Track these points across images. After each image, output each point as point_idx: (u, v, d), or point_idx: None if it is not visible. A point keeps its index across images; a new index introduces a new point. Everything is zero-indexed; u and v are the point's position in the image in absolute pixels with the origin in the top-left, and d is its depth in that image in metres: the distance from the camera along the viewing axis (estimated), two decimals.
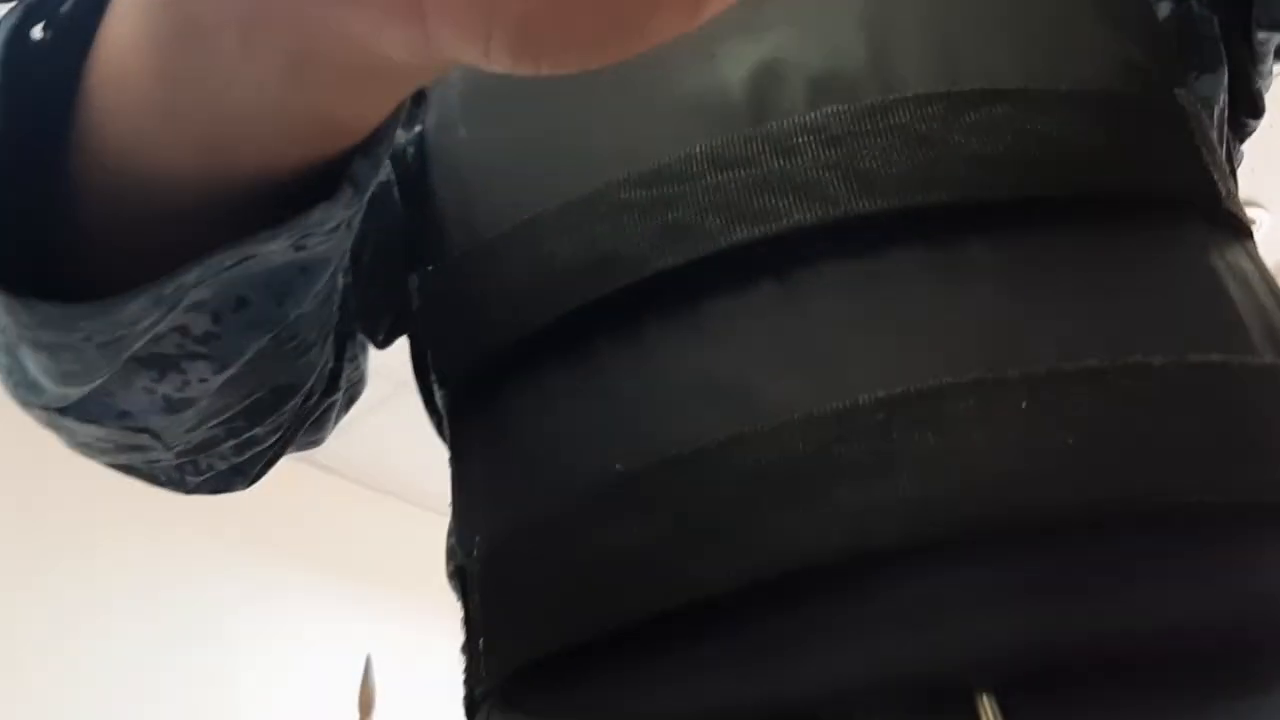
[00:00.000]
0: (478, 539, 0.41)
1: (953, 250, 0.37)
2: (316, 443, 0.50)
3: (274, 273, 0.32)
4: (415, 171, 0.49)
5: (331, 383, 0.46)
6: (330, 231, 0.31)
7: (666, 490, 0.35)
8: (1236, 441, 0.35)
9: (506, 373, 0.42)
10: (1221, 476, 0.34)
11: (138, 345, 0.32)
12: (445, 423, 0.46)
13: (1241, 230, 0.42)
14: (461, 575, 0.42)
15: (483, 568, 0.40)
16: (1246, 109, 0.52)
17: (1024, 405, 0.34)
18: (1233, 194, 0.42)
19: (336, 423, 0.51)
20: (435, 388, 0.47)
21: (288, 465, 0.55)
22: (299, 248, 0.30)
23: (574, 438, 0.39)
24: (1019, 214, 0.38)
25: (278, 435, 0.44)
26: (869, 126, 0.38)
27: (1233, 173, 0.52)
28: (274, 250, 0.30)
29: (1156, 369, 0.35)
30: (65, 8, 0.29)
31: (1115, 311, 0.37)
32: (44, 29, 0.29)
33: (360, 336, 0.51)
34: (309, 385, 0.41)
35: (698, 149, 0.39)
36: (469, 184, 0.46)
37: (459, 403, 0.45)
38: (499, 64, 0.18)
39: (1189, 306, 0.38)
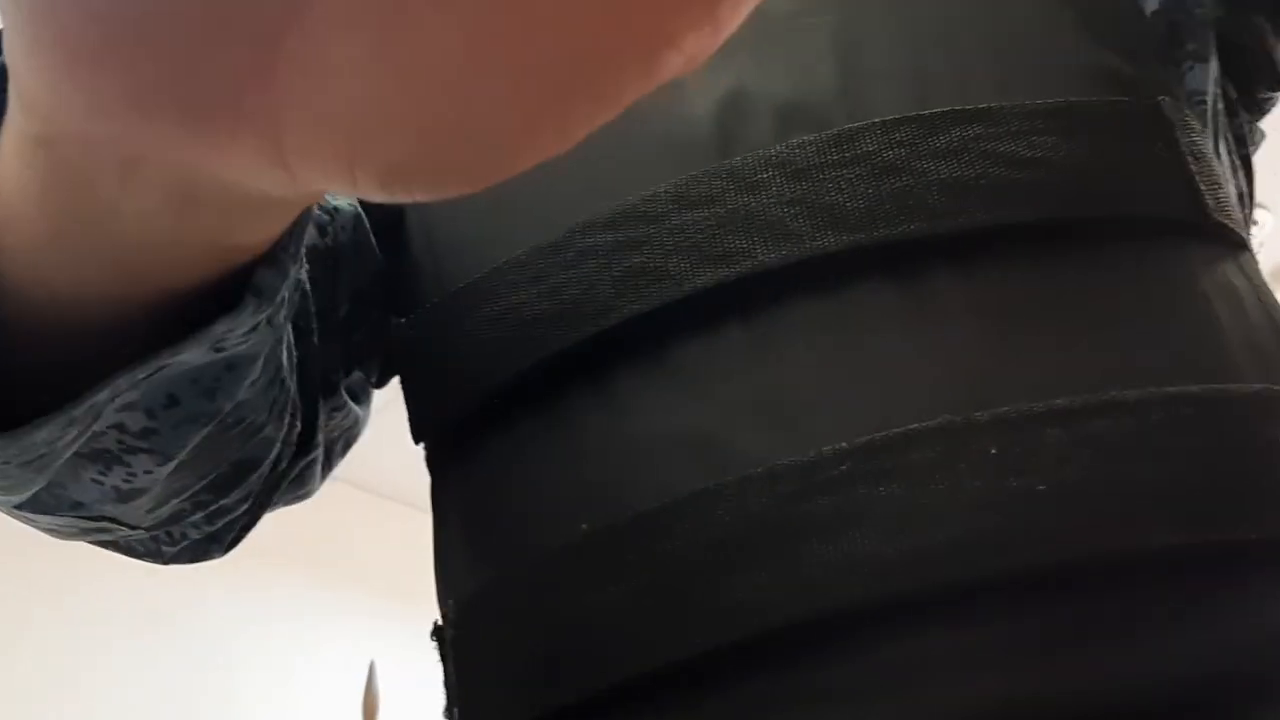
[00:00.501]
0: (451, 602, 0.39)
1: (921, 286, 0.35)
2: (304, 497, 0.49)
3: (198, 371, 0.31)
4: (393, 216, 0.48)
5: (302, 446, 0.44)
6: (247, 334, 0.30)
7: (630, 551, 0.34)
8: (1219, 477, 0.33)
9: (479, 427, 0.40)
10: (1204, 516, 0.32)
11: (67, 455, 0.31)
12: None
13: (1234, 242, 0.40)
14: (439, 638, 0.40)
15: (455, 633, 0.39)
16: (1268, 81, 0.50)
17: (993, 451, 0.32)
18: (1224, 203, 0.39)
19: (326, 475, 0.50)
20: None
21: None
22: (218, 349, 0.30)
23: (543, 496, 0.38)
24: (991, 244, 0.36)
25: (248, 503, 0.43)
26: (835, 157, 0.37)
27: (1246, 163, 0.50)
28: (188, 358, 0.29)
29: (1131, 404, 0.33)
30: None
31: (1092, 345, 0.35)
32: None
33: (346, 386, 0.50)
34: (273, 456, 0.40)
35: (663, 188, 0.38)
36: (438, 229, 0.44)
37: (436, 457, 0.44)
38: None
39: (1171, 334, 0.36)
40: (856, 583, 0.31)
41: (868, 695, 0.31)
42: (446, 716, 0.40)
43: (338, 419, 0.49)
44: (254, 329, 0.30)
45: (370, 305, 0.48)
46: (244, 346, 0.31)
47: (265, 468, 0.40)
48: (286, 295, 0.31)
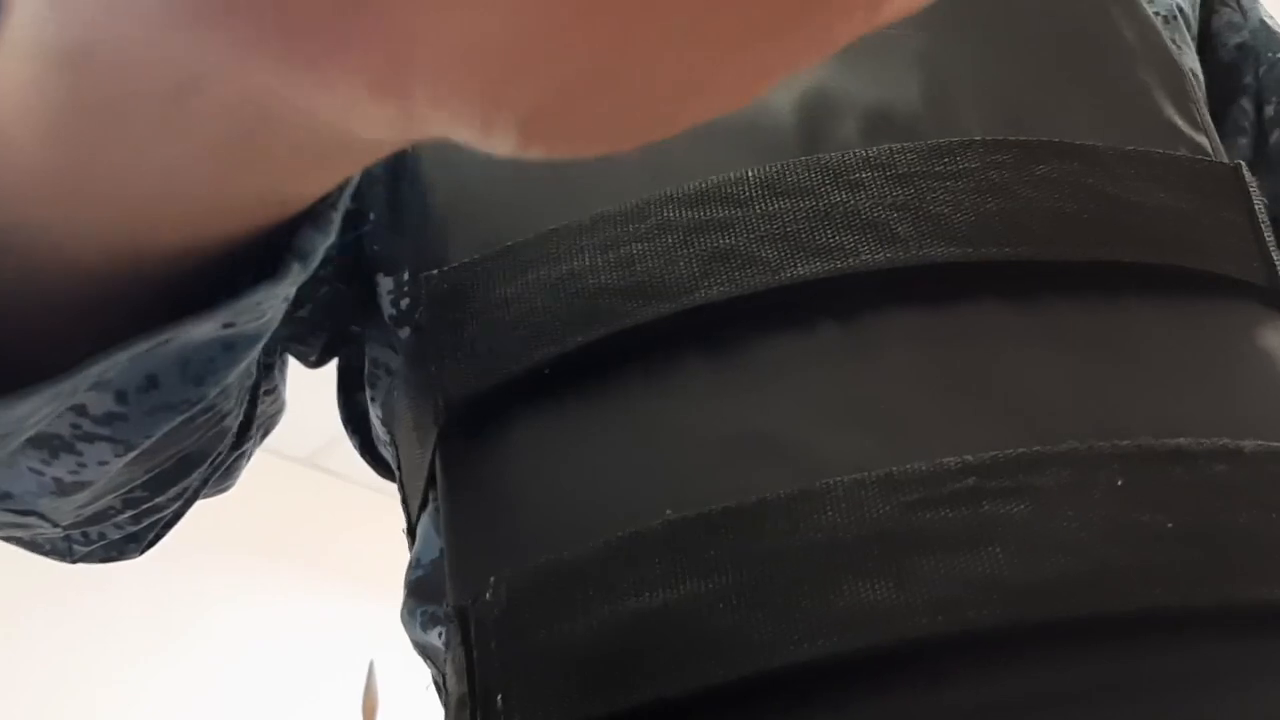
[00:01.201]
0: (491, 580, 0.36)
1: (1032, 308, 0.35)
2: (224, 490, 0.46)
3: (195, 349, 0.28)
4: (391, 170, 0.44)
5: (241, 435, 0.41)
6: (266, 307, 0.26)
7: (725, 545, 0.32)
8: None
9: (522, 397, 0.37)
10: None
11: (28, 435, 0.27)
12: (434, 447, 0.41)
13: None
14: (463, 617, 0.37)
15: (502, 614, 0.35)
16: None
17: (1120, 483, 0.31)
18: None
19: (247, 464, 0.46)
20: (412, 402, 0.42)
21: (289, 468, 0.53)
22: (228, 325, 0.26)
23: (609, 477, 0.35)
24: (1094, 277, 0.36)
25: (180, 502, 0.40)
26: (937, 168, 0.36)
27: None
28: (199, 332, 0.25)
29: (1247, 454, 0.32)
30: None
31: (1197, 390, 0.35)
32: None
33: (279, 367, 0.46)
34: (220, 449, 0.37)
35: (749, 173, 0.36)
36: (474, 183, 0.41)
37: (457, 423, 0.40)
38: (500, 150, 0.15)
39: (1260, 392, 0.36)
40: (986, 602, 0.30)
41: None
42: (471, 706, 0.36)
43: (266, 404, 0.46)
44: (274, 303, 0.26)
45: (319, 279, 0.45)
46: (254, 324, 0.27)
47: (207, 464, 0.38)
48: (307, 274, 0.27)
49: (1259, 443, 0.33)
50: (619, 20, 0.14)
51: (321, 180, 0.21)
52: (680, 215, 0.36)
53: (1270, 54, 0.49)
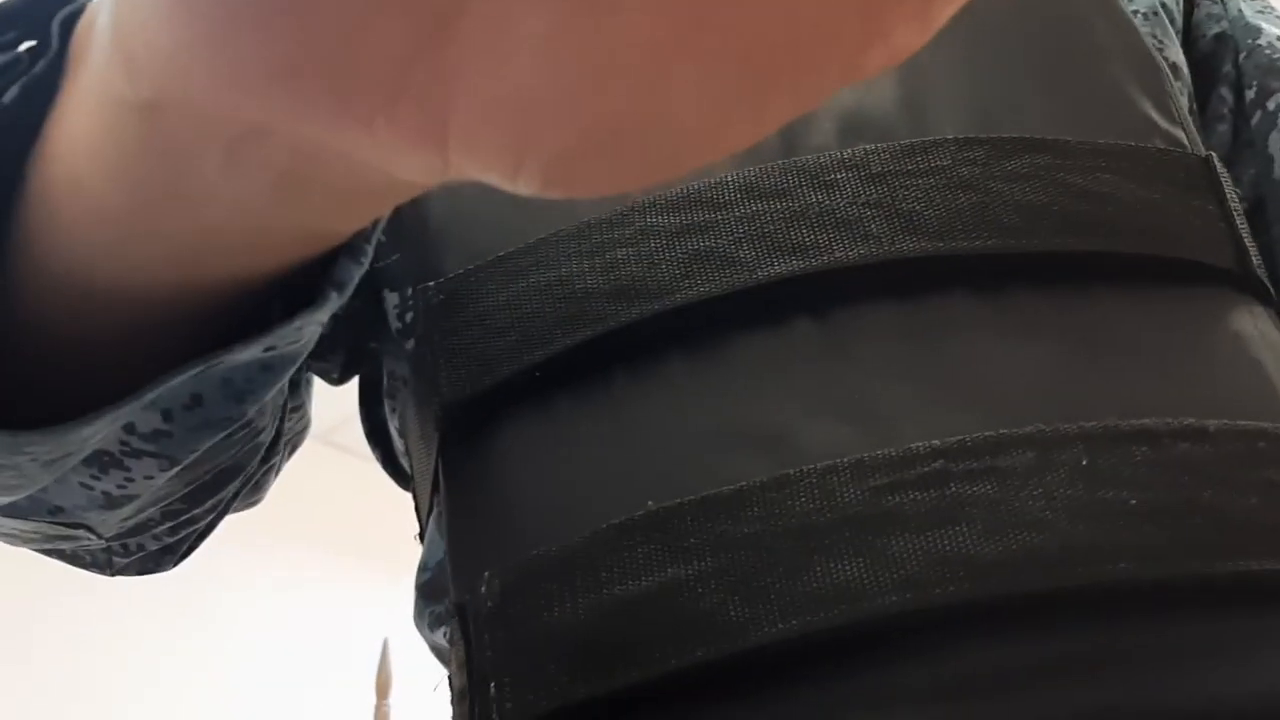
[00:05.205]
0: (486, 574, 0.37)
1: (1001, 300, 0.36)
2: (254, 503, 0.48)
3: (235, 370, 0.30)
4: None
5: (271, 450, 0.43)
6: (305, 332, 0.29)
7: (705, 532, 0.33)
8: None
9: (514, 399, 0.39)
10: None
11: (86, 454, 0.29)
12: (433, 447, 0.43)
13: (1270, 298, 0.41)
14: (461, 613, 0.38)
15: (495, 606, 0.37)
16: None
17: (1084, 462, 0.32)
18: (1258, 260, 0.41)
19: (275, 479, 0.48)
20: (418, 410, 0.43)
21: (304, 445, 0.53)
22: (269, 349, 0.28)
23: (595, 473, 0.37)
24: (1065, 267, 0.37)
25: (214, 514, 0.42)
26: (910, 166, 0.37)
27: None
28: (243, 355, 0.27)
29: (1211, 433, 0.33)
30: (8, 99, 0.25)
31: (1163, 373, 0.36)
32: None
33: (305, 384, 0.48)
34: (253, 463, 0.40)
35: (729, 177, 0.37)
36: (468, 197, 0.42)
37: (455, 428, 0.42)
38: (525, 191, 0.16)
39: (1229, 373, 0.37)
40: (955, 579, 0.31)
41: (955, 701, 0.31)
42: (467, 697, 0.37)
43: (293, 420, 0.47)
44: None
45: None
46: (293, 347, 0.29)
47: (242, 476, 0.39)
48: (343, 300, 0.29)
49: (1224, 422, 0.34)
50: (634, 77, 0.15)
51: (359, 217, 0.23)
52: (663, 220, 0.37)
53: (1249, 41, 0.51)
